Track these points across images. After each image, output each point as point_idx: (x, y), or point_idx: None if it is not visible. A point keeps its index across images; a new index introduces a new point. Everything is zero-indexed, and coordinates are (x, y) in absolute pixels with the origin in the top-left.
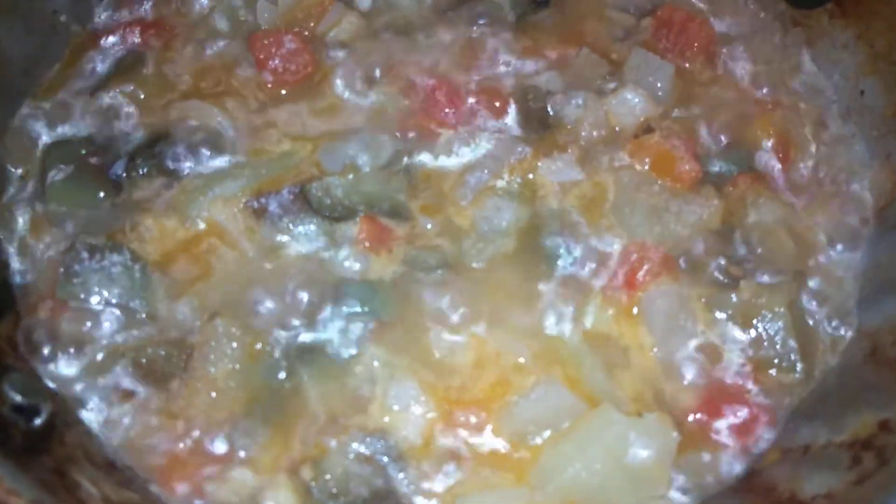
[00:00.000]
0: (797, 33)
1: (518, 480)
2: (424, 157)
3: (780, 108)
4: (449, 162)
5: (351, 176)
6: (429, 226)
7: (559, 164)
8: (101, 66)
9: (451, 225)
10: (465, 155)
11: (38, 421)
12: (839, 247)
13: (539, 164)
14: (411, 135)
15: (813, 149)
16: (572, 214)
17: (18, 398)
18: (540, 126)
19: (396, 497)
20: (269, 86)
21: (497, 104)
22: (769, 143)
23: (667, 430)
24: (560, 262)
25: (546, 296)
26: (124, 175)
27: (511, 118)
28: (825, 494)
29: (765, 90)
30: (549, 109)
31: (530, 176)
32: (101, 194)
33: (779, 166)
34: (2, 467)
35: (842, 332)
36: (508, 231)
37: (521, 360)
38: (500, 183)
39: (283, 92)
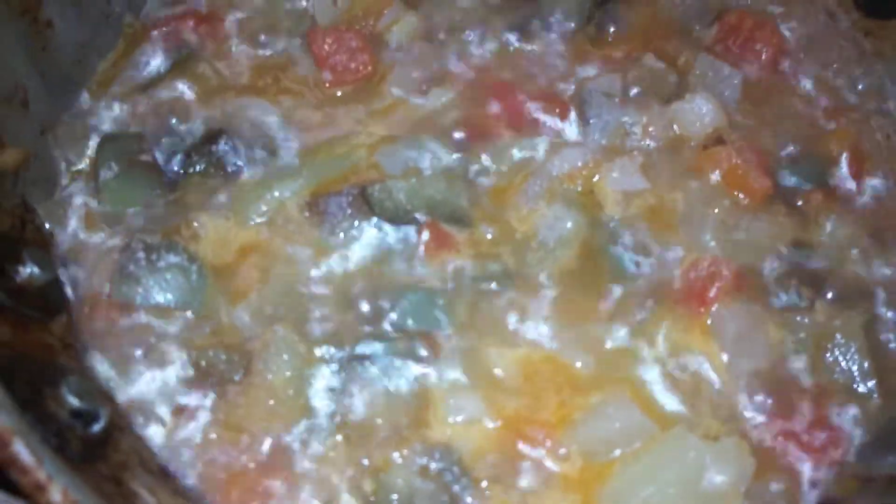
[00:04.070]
0: (871, 44)
1: (586, 502)
2: (485, 163)
3: (852, 122)
4: (510, 167)
5: (413, 179)
6: (489, 233)
7: (623, 173)
8: (156, 60)
9: (511, 232)
10: (525, 161)
11: (96, 427)
12: None
13: (601, 171)
14: (471, 139)
15: (886, 164)
16: (637, 224)
17: (77, 402)
18: (602, 133)
19: None
20: (328, 85)
21: (558, 109)
22: (842, 158)
23: (744, 455)
24: (626, 274)
25: (612, 309)
26: (181, 172)
27: (572, 124)
28: None
29: (836, 102)
30: (611, 116)
31: (593, 182)
32: (156, 192)
33: (852, 182)
34: (64, 476)
35: None
36: (570, 240)
37: (588, 375)
38: (562, 190)
39: (342, 91)
